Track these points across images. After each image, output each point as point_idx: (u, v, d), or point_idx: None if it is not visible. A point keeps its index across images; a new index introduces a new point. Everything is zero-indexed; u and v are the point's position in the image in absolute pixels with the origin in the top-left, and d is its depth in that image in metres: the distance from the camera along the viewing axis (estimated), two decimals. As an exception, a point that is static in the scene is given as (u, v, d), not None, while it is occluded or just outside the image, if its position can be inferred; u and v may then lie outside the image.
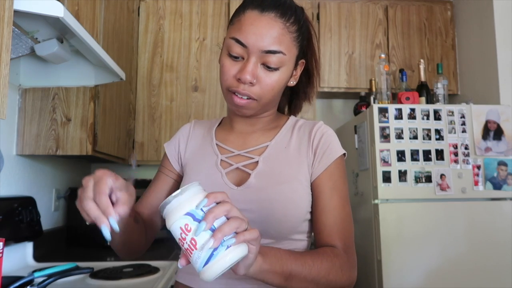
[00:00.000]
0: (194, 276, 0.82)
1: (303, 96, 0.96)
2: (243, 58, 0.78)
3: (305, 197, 0.82)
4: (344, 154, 0.87)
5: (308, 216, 0.83)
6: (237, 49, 0.77)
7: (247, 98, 0.79)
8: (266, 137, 0.89)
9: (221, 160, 0.87)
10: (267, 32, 0.75)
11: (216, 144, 0.90)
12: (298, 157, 0.85)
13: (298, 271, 0.69)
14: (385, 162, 1.87)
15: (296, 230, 0.81)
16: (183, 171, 0.92)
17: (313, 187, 0.84)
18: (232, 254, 0.56)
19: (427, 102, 2.12)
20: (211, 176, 0.84)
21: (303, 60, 0.88)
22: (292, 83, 0.88)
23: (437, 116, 1.93)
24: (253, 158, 0.85)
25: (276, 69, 0.78)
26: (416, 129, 1.90)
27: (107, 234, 0.59)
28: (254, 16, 0.76)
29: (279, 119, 0.94)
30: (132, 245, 0.85)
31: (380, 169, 1.86)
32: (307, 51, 0.90)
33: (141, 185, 2.38)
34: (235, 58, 0.78)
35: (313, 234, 0.86)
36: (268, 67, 0.77)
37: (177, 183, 0.96)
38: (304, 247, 0.84)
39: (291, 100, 0.98)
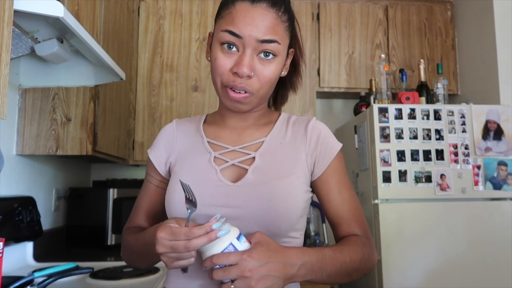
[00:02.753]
0: (183, 282, 0.80)
1: (289, 86, 0.94)
2: (237, 50, 0.76)
3: (303, 193, 0.82)
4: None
5: (304, 212, 0.84)
6: (230, 39, 0.76)
7: (244, 92, 0.78)
8: (261, 132, 0.88)
9: (215, 157, 0.84)
10: (262, 22, 0.75)
11: (208, 142, 0.87)
12: (294, 153, 0.85)
13: (336, 271, 0.76)
14: (385, 162, 1.87)
15: (294, 227, 0.81)
16: (171, 171, 0.89)
17: (319, 184, 0.85)
18: None
19: (427, 102, 2.12)
20: (204, 174, 0.82)
21: (292, 49, 0.87)
22: (284, 73, 0.86)
23: (437, 116, 1.93)
24: (249, 154, 0.83)
25: (272, 59, 0.77)
26: (416, 129, 1.90)
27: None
28: (246, 8, 0.76)
29: (270, 115, 0.93)
30: (150, 260, 0.86)
31: (380, 169, 1.86)
32: (293, 41, 0.88)
33: (141, 185, 2.37)
34: (228, 49, 0.77)
35: (317, 229, 0.88)
36: (265, 57, 0.77)
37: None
38: (299, 244, 0.84)
39: (277, 90, 0.96)
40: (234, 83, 0.77)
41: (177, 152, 0.89)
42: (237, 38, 0.75)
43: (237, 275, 0.65)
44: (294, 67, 0.92)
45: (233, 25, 0.75)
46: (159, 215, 0.94)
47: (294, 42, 0.89)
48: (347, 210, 0.85)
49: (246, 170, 0.81)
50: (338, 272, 0.76)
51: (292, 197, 0.79)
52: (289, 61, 0.87)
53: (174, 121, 0.95)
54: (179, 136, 0.91)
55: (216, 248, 0.67)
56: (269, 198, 0.77)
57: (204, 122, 0.94)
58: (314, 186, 0.86)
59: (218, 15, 0.81)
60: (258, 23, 0.75)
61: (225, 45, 0.77)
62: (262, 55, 0.77)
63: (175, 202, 0.80)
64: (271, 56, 0.77)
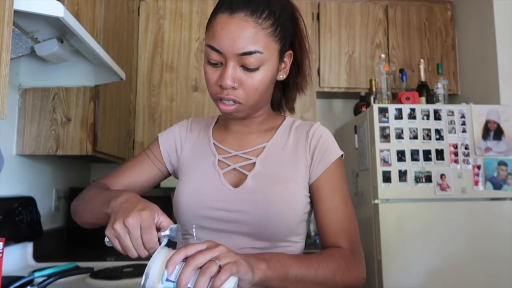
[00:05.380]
0: None
1: (294, 87, 0.93)
2: (222, 64, 0.76)
3: (302, 199, 0.81)
4: (342, 155, 0.86)
5: (305, 218, 0.83)
6: (214, 56, 0.76)
7: (234, 103, 0.78)
8: (263, 138, 0.88)
9: (219, 160, 0.86)
10: (239, 34, 0.73)
11: (214, 144, 0.89)
12: (295, 158, 0.84)
13: (304, 275, 0.70)
14: (385, 162, 1.87)
15: (293, 232, 0.80)
16: (179, 170, 0.91)
17: (313, 189, 0.83)
18: None
19: (427, 102, 2.12)
20: (208, 177, 0.84)
21: (290, 52, 0.85)
22: (282, 77, 0.85)
23: (437, 116, 1.93)
24: (250, 159, 0.84)
25: (256, 69, 0.76)
26: (416, 129, 1.90)
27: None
28: (225, 20, 0.74)
29: (275, 119, 0.92)
30: (95, 219, 0.82)
31: (380, 169, 1.86)
32: (294, 40, 0.86)
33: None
34: (214, 65, 0.77)
35: (307, 235, 0.86)
36: (247, 69, 0.75)
37: (161, 175, 0.93)
38: (300, 249, 0.84)
39: (284, 92, 0.95)
40: (222, 95, 0.77)
41: (186, 150, 0.92)
42: (219, 53, 0.75)
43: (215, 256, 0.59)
44: (298, 68, 0.91)
45: (213, 39, 0.75)
46: (135, 189, 0.91)
47: (296, 42, 0.87)
48: (335, 219, 0.81)
49: (246, 175, 0.82)
50: (307, 277, 0.70)
51: (289, 203, 0.79)
52: (288, 64, 0.85)
53: (190, 119, 0.98)
54: (190, 134, 0.94)
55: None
56: (265, 205, 0.77)
57: (216, 123, 0.96)
58: (309, 191, 0.85)
59: (206, 29, 0.80)
60: (235, 36, 0.73)
61: (211, 62, 0.77)
62: (244, 66, 0.75)
63: (182, 202, 0.83)
64: (254, 67, 0.75)
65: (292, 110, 0.97)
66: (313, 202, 0.84)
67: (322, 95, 2.60)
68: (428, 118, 1.92)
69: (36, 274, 1.19)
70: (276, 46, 0.78)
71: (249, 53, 0.74)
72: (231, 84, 0.75)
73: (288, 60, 0.85)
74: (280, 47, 0.80)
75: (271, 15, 0.76)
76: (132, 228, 0.62)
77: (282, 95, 0.95)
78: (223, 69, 0.76)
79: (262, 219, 0.77)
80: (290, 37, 0.85)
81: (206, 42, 0.77)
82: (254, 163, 0.83)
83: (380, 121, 1.89)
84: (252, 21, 0.74)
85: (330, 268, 0.73)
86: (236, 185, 0.82)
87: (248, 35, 0.73)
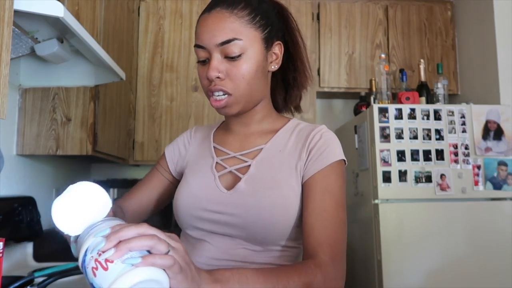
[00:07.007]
0: None
1: (294, 84, 0.91)
2: (209, 60, 0.79)
3: (296, 203, 0.78)
4: (344, 161, 0.82)
5: (300, 222, 0.79)
6: (200, 53, 0.80)
7: (223, 95, 0.78)
8: (262, 139, 0.86)
9: (216, 162, 0.86)
10: (216, 26, 0.77)
11: (214, 147, 0.90)
12: (292, 161, 0.81)
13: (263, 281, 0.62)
14: (385, 162, 1.87)
15: (286, 237, 0.78)
16: (183, 173, 0.92)
17: (304, 188, 0.79)
18: (137, 272, 0.46)
19: (427, 102, 2.12)
20: (204, 179, 0.84)
21: (279, 42, 0.84)
22: (274, 67, 0.85)
23: (437, 116, 1.93)
24: (246, 162, 0.83)
25: (238, 56, 0.77)
26: (416, 129, 1.90)
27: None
28: (204, 18, 0.79)
29: (278, 121, 0.90)
30: None
31: (380, 169, 1.86)
32: (287, 38, 0.88)
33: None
34: (203, 62, 0.80)
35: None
36: (230, 58, 0.77)
37: (171, 185, 0.96)
38: (297, 254, 0.82)
39: (287, 91, 0.95)
40: (210, 87, 0.79)
41: (189, 155, 0.94)
42: (203, 49, 0.78)
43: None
44: (293, 64, 0.90)
45: (197, 38, 0.80)
46: (149, 203, 0.95)
47: (288, 38, 0.88)
48: (322, 221, 0.74)
49: (241, 178, 0.81)
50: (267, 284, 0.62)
51: (281, 208, 0.76)
52: (279, 54, 0.85)
53: (194, 127, 1.00)
54: (194, 141, 0.96)
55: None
56: (256, 209, 0.76)
57: (219, 126, 0.97)
58: (301, 191, 0.80)
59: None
60: (213, 28, 0.77)
61: (200, 61, 0.81)
62: (227, 55, 0.77)
63: (179, 203, 0.84)
64: (236, 55, 0.77)
65: (298, 109, 0.96)
66: (302, 201, 0.78)
67: (322, 95, 2.60)
68: (428, 118, 1.92)
69: (36, 274, 1.19)
70: (257, 33, 0.79)
71: (228, 41, 0.76)
72: (215, 74, 0.77)
73: (279, 51, 0.85)
74: (263, 35, 0.80)
75: (248, 6, 0.79)
76: None
77: (283, 95, 0.94)
78: (208, 63, 0.79)
79: (252, 223, 0.76)
80: (282, 33, 0.87)
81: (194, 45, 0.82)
82: (250, 165, 0.82)
83: (380, 121, 1.89)
84: (227, 12, 0.77)
85: (302, 282, 0.65)
86: (231, 187, 0.81)
87: (224, 25, 0.77)
